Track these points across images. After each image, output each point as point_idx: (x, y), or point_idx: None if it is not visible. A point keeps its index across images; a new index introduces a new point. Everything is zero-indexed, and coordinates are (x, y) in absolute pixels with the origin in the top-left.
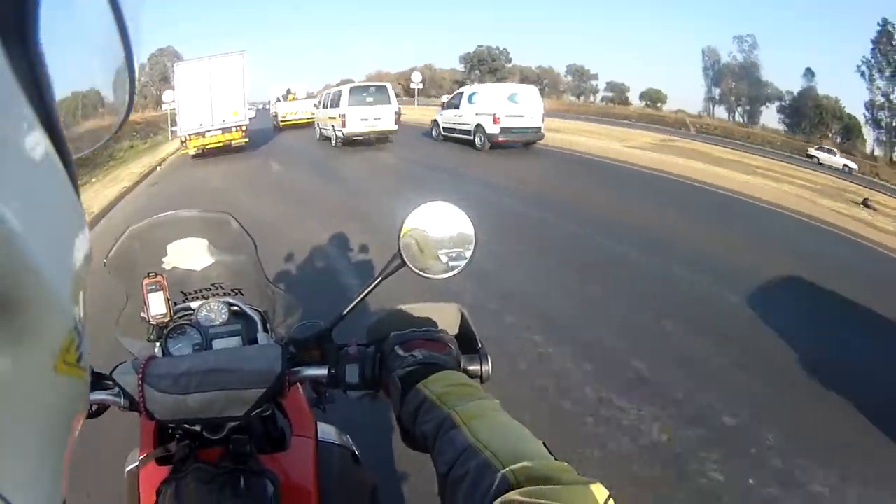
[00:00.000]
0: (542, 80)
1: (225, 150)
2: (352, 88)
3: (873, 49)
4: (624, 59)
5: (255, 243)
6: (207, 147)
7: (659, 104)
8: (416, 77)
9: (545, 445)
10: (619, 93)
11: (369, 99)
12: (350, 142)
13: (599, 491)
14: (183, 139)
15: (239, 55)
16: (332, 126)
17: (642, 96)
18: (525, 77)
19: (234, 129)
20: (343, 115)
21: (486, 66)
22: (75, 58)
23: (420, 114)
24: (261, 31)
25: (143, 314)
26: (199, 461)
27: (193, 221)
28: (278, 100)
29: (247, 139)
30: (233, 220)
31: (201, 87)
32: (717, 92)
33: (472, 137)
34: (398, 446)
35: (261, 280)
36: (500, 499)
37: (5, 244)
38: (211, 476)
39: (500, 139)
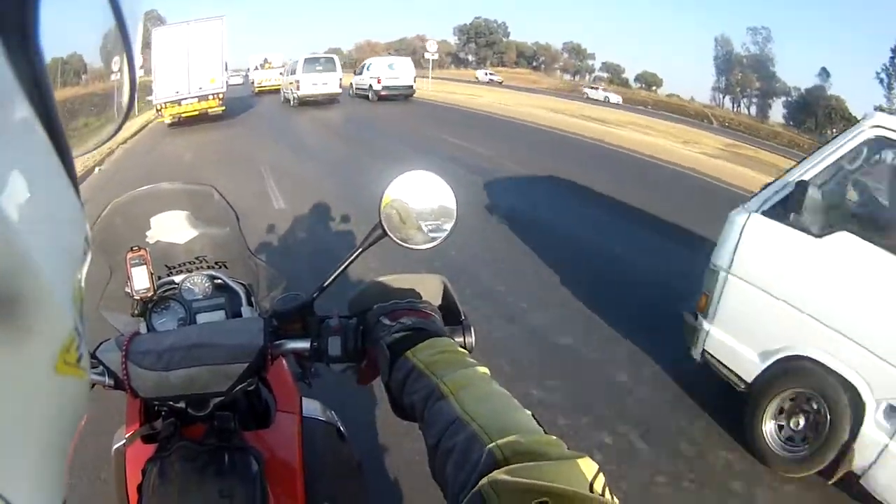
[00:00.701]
0: (539, 57)
1: (202, 119)
2: (306, 59)
3: (892, 57)
4: (620, 40)
5: (238, 215)
6: (183, 116)
7: (654, 87)
8: (432, 47)
9: (534, 417)
10: (614, 73)
11: (319, 68)
12: (304, 102)
13: (588, 465)
14: (158, 107)
15: (218, 20)
16: (291, 90)
17: (637, 78)
18: (521, 53)
19: (210, 97)
20: (298, 81)
21: (484, 38)
22: (76, 57)
23: (436, 90)
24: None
25: (126, 289)
26: (184, 438)
27: (176, 194)
28: (256, 68)
29: (223, 107)
30: (215, 193)
31: (178, 53)
32: (722, 81)
33: (367, 93)
34: (382, 420)
35: (244, 253)
36: (485, 478)
37: (5, 244)
38: (196, 454)
39: (383, 93)
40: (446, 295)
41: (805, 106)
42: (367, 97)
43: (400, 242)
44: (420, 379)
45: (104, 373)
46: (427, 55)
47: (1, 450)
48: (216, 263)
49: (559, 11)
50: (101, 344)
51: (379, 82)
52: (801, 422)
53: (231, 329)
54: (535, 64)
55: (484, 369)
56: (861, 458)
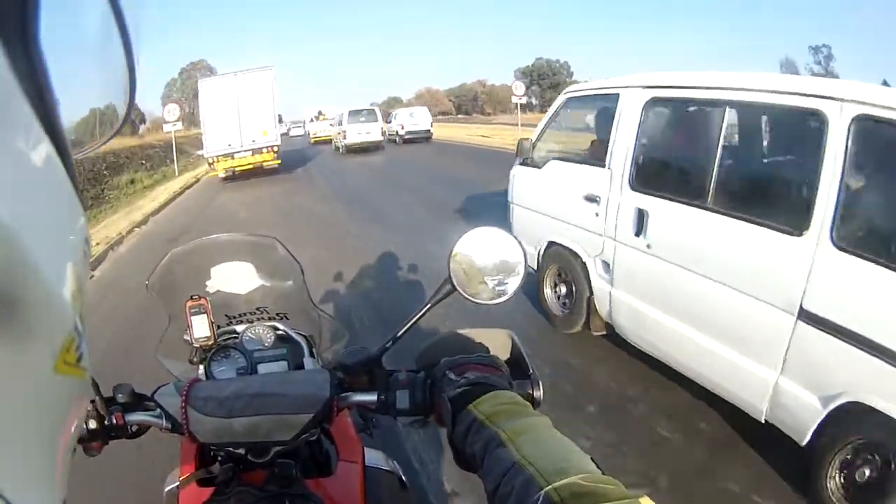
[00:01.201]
0: None
1: (257, 172)
2: (350, 112)
3: None
4: (673, 67)
5: (302, 267)
6: (237, 169)
7: None
8: (519, 90)
9: (593, 460)
10: None
11: (362, 119)
12: (350, 150)
13: None
14: (210, 161)
15: (267, 70)
16: (339, 139)
17: None
18: None
19: (264, 150)
20: (345, 131)
21: (548, 80)
22: (75, 58)
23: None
24: (307, 50)
25: (185, 336)
26: (242, 484)
27: (237, 245)
28: (311, 120)
29: (279, 161)
30: (278, 245)
31: (228, 105)
32: None
33: (394, 137)
34: (446, 471)
35: (306, 304)
36: None
37: (5, 244)
38: (255, 499)
39: (406, 137)
40: (514, 349)
41: None
42: (394, 140)
43: (468, 297)
44: (482, 429)
45: (161, 415)
46: (514, 99)
47: (1, 449)
48: (277, 314)
49: (615, 45)
50: (159, 387)
51: (402, 128)
52: (564, 289)
53: (297, 379)
54: None
55: (545, 418)
56: (601, 306)
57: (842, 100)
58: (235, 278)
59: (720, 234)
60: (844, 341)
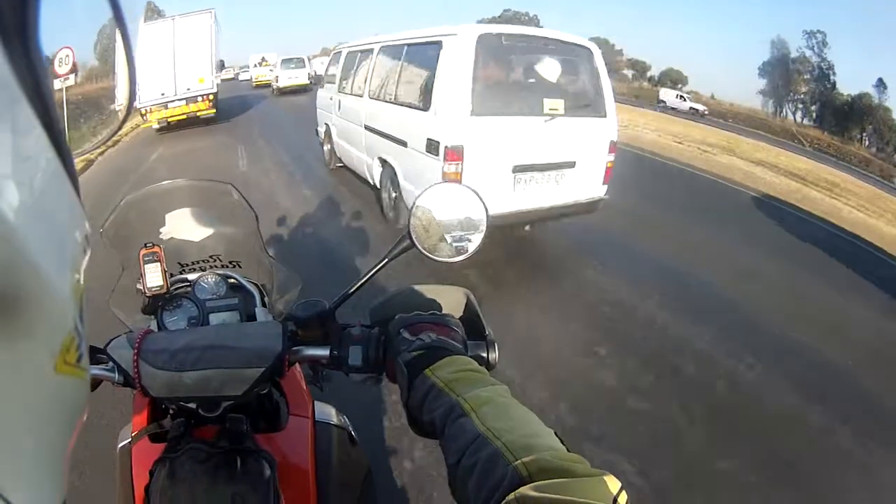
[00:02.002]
0: None
1: (192, 122)
2: (283, 60)
3: None
4: (644, 34)
5: (257, 215)
6: (170, 119)
7: (680, 85)
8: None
9: (556, 434)
10: (640, 70)
11: (293, 66)
12: (283, 92)
13: (612, 482)
14: (143, 111)
15: (206, 14)
16: (275, 82)
17: (662, 76)
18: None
19: (199, 99)
20: (277, 76)
21: None
22: (76, 57)
23: None
24: None
25: (138, 285)
26: (194, 439)
27: (193, 190)
28: (255, 65)
29: (214, 110)
30: (234, 191)
31: (163, 51)
32: (767, 85)
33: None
34: (389, 424)
35: (259, 253)
36: (512, 493)
37: (5, 244)
38: (207, 455)
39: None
40: (469, 307)
41: (847, 114)
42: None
43: (427, 254)
44: (440, 396)
45: (114, 369)
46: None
47: (1, 449)
48: (230, 262)
49: (583, 3)
50: (111, 340)
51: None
52: (328, 146)
53: (249, 332)
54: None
55: (504, 387)
56: (336, 149)
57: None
58: (189, 225)
59: (370, 109)
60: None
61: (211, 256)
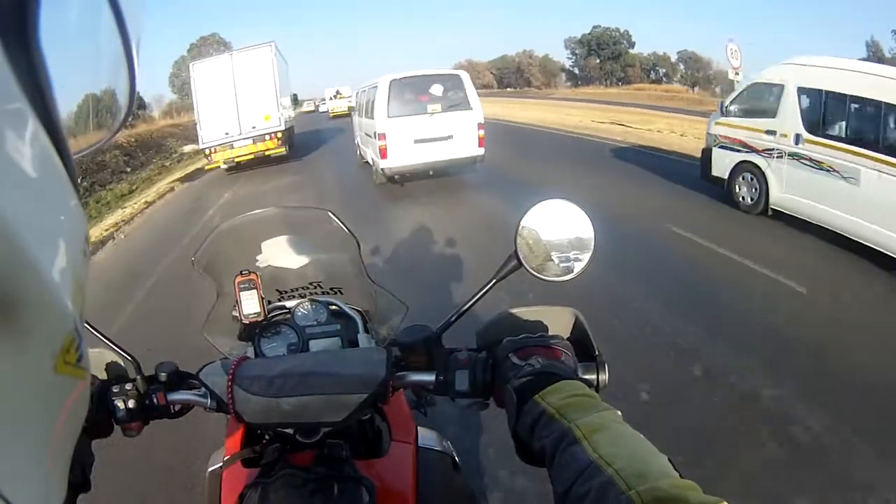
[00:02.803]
0: (657, 69)
1: (264, 161)
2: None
3: None
4: (722, 43)
5: (358, 241)
6: (237, 159)
7: None
8: (735, 57)
9: (670, 461)
10: (728, 83)
11: (340, 95)
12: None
13: None
14: (207, 152)
15: (266, 47)
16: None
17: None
18: (642, 65)
19: (267, 138)
20: (351, 105)
21: (608, 50)
22: (75, 57)
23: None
24: (338, 23)
25: (234, 313)
26: (289, 465)
27: (290, 218)
28: (331, 98)
29: (284, 148)
30: (332, 217)
31: (224, 88)
32: None
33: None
34: (499, 452)
35: (362, 279)
36: None
37: (5, 244)
38: (302, 482)
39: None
40: (578, 328)
41: None
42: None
43: (534, 273)
44: (551, 423)
45: (206, 395)
46: (731, 73)
47: (1, 449)
48: (331, 289)
49: (669, 16)
50: (204, 366)
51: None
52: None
53: (351, 358)
54: (653, 77)
55: (616, 412)
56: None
57: None
58: (287, 253)
59: (360, 122)
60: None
61: (311, 283)
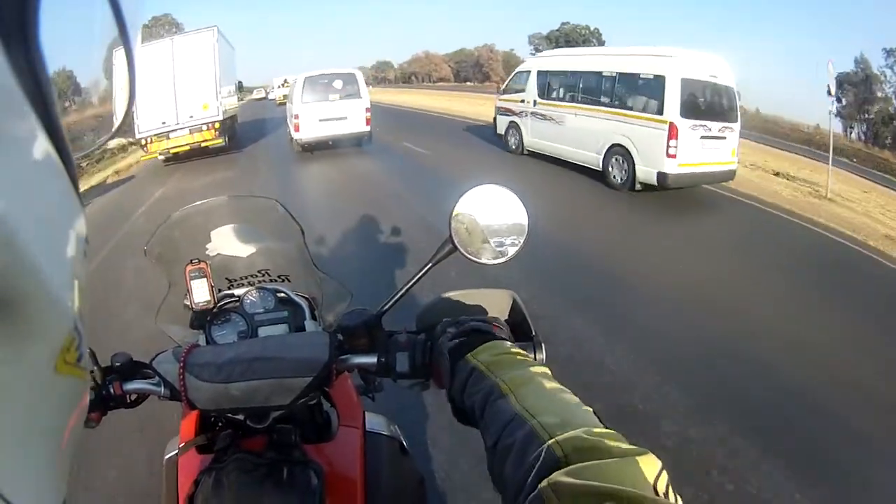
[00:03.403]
0: None
1: (205, 152)
2: (283, 80)
3: None
4: (698, 46)
5: (303, 229)
6: (173, 151)
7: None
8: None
9: (596, 414)
10: None
11: (287, 83)
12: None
13: (650, 462)
14: (144, 142)
15: (208, 32)
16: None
17: None
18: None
19: (204, 128)
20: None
21: (576, 47)
22: (76, 57)
23: None
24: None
25: (185, 301)
26: (241, 451)
27: (238, 207)
28: (279, 86)
29: (222, 140)
30: (279, 206)
31: (163, 75)
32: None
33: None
34: (445, 436)
35: (308, 266)
36: (546, 480)
37: (5, 244)
38: (253, 466)
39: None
40: (516, 310)
41: None
42: None
43: (470, 257)
44: (480, 380)
45: (160, 383)
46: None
47: (1, 449)
48: (279, 277)
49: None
50: (157, 355)
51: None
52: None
53: (296, 343)
54: None
55: (545, 369)
56: None
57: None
58: (236, 241)
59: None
60: None
61: (259, 271)
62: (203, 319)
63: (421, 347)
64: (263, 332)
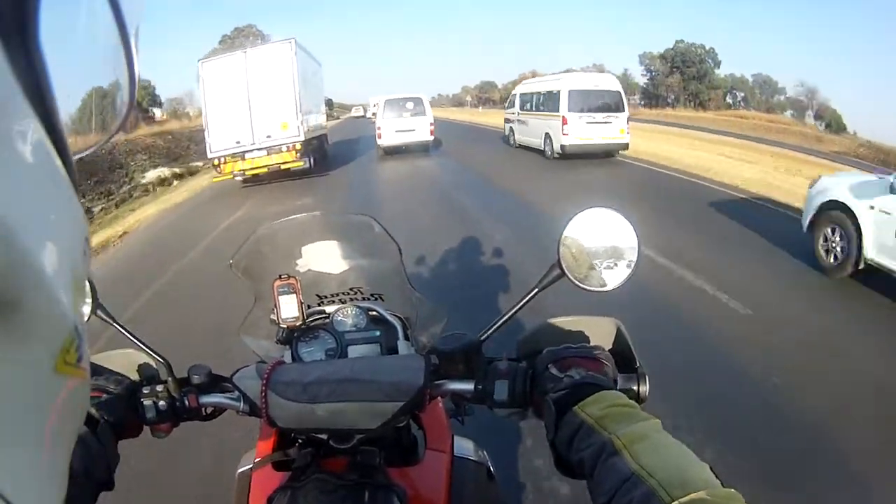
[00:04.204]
0: (735, 93)
1: (283, 175)
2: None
3: None
4: (805, 68)
5: (400, 247)
6: (248, 172)
7: (838, 130)
8: None
9: (712, 470)
10: (798, 110)
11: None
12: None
13: None
14: (217, 162)
15: (286, 44)
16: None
17: (817, 116)
18: (732, 87)
19: (284, 149)
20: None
21: (694, 68)
22: (75, 57)
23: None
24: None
25: (272, 316)
26: (321, 470)
27: (331, 224)
28: (374, 105)
29: (303, 162)
30: (374, 223)
31: (236, 91)
32: None
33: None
34: (533, 462)
35: (403, 285)
36: None
37: (5, 244)
38: (333, 487)
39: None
40: (620, 339)
41: None
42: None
43: (578, 284)
44: (591, 434)
45: (239, 398)
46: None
47: (1, 449)
48: (372, 295)
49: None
50: (239, 369)
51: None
52: None
53: (389, 366)
54: (731, 102)
55: (657, 421)
56: None
57: None
58: (328, 258)
59: None
60: None
61: (351, 289)
62: (290, 336)
63: (522, 376)
64: (354, 351)
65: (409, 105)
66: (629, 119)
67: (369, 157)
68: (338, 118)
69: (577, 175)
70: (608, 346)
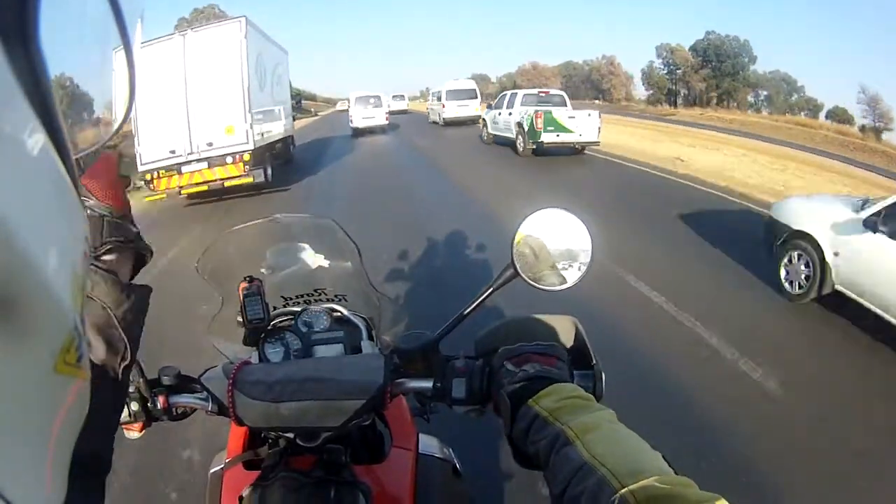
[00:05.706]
0: (758, 92)
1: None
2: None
3: None
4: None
5: (360, 249)
6: (185, 191)
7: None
8: None
9: (664, 458)
10: (812, 109)
11: (370, 104)
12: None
13: None
14: (149, 177)
15: (234, 24)
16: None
17: (829, 115)
18: (755, 84)
19: (228, 161)
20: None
21: (728, 62)
22: (76, 57)
23: None
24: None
25: (239, 318)
26: (289, 468)
27: (294, 227)
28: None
29: (252, 178)
30: (336, 226)
31: (172, 86)
32: None
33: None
34: (500, 458)
35: (365, 286)
36: None
37: (5, 244)
38: (300, 485)
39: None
40: (577, 337)
41: None
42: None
43: (532, 283)
44: (545, 426)
45: (207, 398)
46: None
47: (1, 449)
48: (336, 297)
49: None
50: (207, 370)
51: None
52: None
53: (350, 365)
54: (757, 100)
55: (610, 412)
56: None
57: None
58: (292, 260)
59: None
60: None
61: (315, 290)
62: (257, 337)
63: (479, 374)
64: (318, 351)
65: (372, 100)
66: (668, 119)
67: (343, 163)
68: (315, 115)
69: (454, 130)
70: (566, 344)
